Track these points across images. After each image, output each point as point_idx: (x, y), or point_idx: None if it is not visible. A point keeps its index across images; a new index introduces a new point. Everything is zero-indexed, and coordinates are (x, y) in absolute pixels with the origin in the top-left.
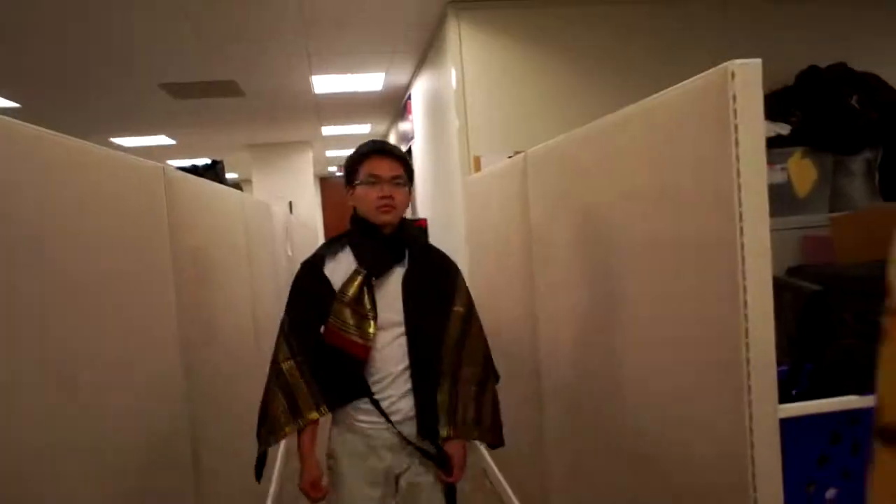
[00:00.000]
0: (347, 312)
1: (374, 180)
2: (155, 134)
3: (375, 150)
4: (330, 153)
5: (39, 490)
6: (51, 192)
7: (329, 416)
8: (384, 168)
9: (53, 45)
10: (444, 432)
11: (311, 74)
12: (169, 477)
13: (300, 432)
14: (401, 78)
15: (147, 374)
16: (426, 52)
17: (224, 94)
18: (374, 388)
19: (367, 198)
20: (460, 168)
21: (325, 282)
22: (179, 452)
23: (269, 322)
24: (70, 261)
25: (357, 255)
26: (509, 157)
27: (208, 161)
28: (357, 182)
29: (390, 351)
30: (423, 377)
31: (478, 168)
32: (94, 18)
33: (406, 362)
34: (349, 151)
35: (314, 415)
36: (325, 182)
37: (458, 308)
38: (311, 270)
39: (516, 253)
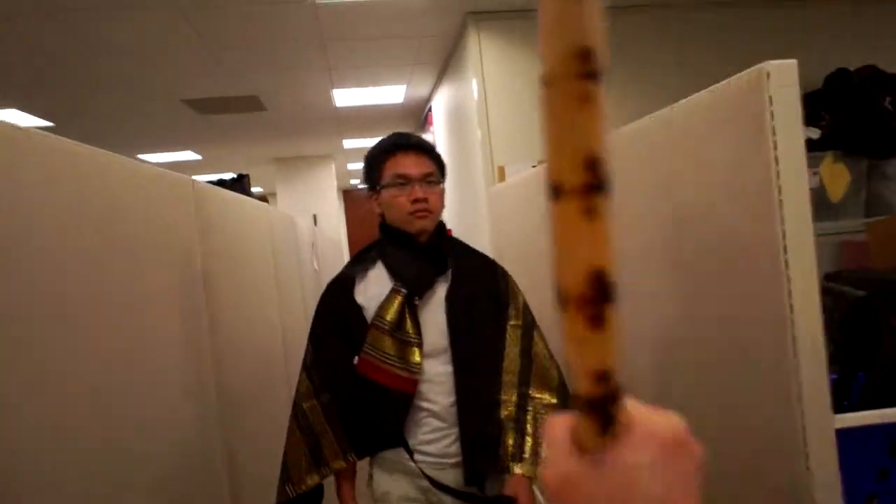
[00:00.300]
0: (388, 341)
1: (403, 181)
2: (181, 150)
3: (400, 144)
4: (352, 166)
5: (73, 498)
6: (83, 205)
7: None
8: (413, 165)
9: (81, 63)
10: (512, 468)
11: (332, 88)
12: (203, 490)
13: (338, 477)
14: (422, 90)
15: (179, 385)
16: (447, 64)
17: (246, 108)
18: (421, 429)
19: (396, 203)
20: (484, 178)
21: (356, 306)
22: (212, 465)
23: (295, 336)
24: (100, 272)
25: (392, 271)
26: (534, 166)
27: (234, 175)
28: (382, 185)
29: (438, 382)
30: (471, 411)
31: (502, 178)
32: (118, 37)
33: (455, 395)
34: None
35: (340, 463)
36: (348, 195)
37: (515, 321)
38: (339, 293)
39: (545, 263)
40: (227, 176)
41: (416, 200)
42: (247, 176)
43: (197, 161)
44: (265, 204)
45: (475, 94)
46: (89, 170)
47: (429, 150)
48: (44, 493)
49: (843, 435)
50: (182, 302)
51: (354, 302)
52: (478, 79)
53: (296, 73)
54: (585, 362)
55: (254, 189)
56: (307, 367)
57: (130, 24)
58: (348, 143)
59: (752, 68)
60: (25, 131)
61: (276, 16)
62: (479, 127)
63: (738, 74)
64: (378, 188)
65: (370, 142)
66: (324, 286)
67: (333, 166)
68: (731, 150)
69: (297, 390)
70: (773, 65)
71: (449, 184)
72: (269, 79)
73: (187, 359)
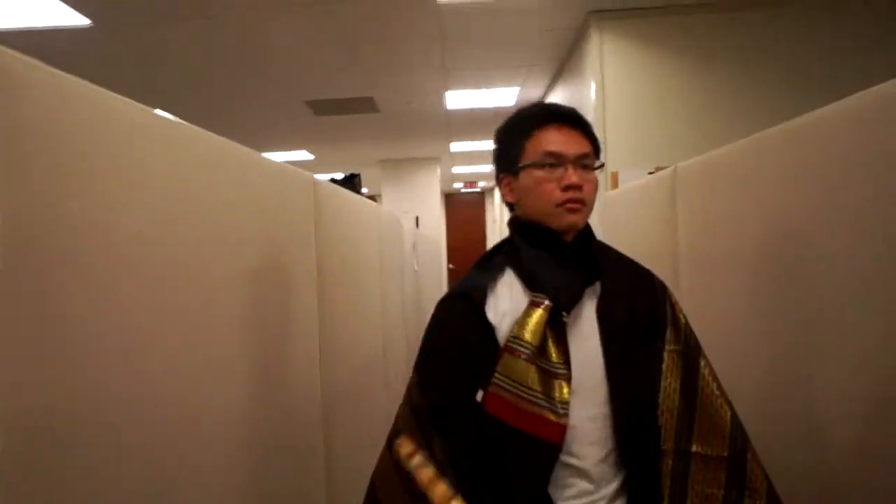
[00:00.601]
0: (530, 372)
1: (554, 161)
2: (297, 149)
3: (551, 114)
4: (456, 170)
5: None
6: (227, 196)
7: None
8: (566, 142)
9: (224, 68)
10: None
11: (445, 90)
12: (303, 469)
13: None
14: (535, 92)
15: (291, 372)
16: (562, 65)
17: (361, 110)
18: (562, 492)
19: (541, 189)
20: None
21: (488, 328)
22: (314, 464)
23: (393, 334)
24: (225, 260)
25: (529, 279)
26: (650, 172)
27: (345, 174)
28: (525, 164)
29: (585, 429)
30: (638, 469)
31: (615, 185)
32: (252, 40)
33: (610, 445)
34: (476, 168)
35: None
36: (448, 198)
37: (673, 346)
38: (465, 309)
39: (664, 277)
40: (339, 175)
41: (568, 187)
42: (358, 175)
43: (310, 161)
44: (375, 204)
45: (592, 97)
46: (232, 162)
47: (585, 125)
48: (146, 482)
49: None
50: (297, 296)
51: (486, 321)
52: (596, 80)
53: (412, 74)
54: None
55: (362, 189)
56: (413, 407)
57: (262, 28)
58: (455, 147)
59: None
60: (167, 121)
61: (401, 17)
62: (596, 130)
63: None
64: (517, 168)
65: (477, 145)
66: (423, 287)
67: (438, 169)
68: None
69: (394, 435)
70: None
71: None
72: (386, 81)
73: (296, 352)
